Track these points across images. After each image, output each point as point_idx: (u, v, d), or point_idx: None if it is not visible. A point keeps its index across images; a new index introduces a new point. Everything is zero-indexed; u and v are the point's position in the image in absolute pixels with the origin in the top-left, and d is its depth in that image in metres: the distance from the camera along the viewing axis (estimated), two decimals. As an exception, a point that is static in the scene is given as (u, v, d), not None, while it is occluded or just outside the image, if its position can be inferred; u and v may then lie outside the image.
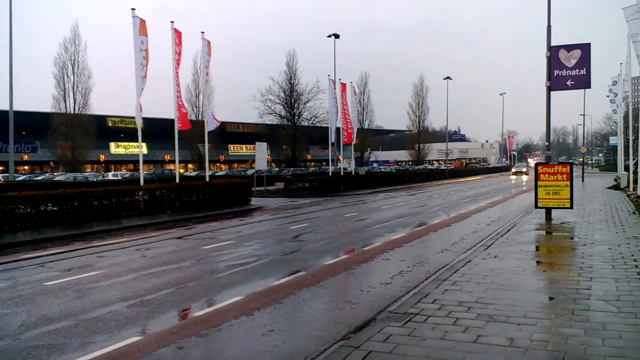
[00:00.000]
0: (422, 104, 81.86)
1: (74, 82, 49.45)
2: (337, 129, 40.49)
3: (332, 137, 39.26)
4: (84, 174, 48.28)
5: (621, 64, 27.28)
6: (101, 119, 59.15)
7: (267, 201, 28.71)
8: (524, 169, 70.97)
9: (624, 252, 10.03)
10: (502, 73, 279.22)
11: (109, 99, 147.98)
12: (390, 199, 29.14)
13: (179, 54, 23.70)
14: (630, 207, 19.02)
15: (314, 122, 61.59)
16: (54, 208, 17.16)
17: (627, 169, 32.58)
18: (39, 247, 13.49)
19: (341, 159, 47.74)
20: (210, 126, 26.13)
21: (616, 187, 31.83)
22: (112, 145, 72.51)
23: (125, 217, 19.20)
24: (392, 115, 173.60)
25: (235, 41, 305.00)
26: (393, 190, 37.30)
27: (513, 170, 74.55)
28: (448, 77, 66.21)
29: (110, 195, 19.30)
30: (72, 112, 49.60)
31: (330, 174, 40.79)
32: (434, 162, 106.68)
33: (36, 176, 48.09)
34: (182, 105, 25.16)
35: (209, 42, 25.73)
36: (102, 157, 68.59)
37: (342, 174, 42.70)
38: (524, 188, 36.15)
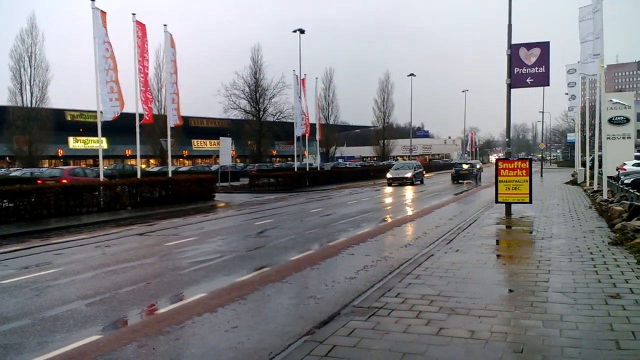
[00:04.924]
0: (388, 100, 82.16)
1: (30, 74, 47.89)
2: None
3: (297, 133, 39.18)
4: (41, 169, 46.86)
5: (578, 62, 27.84)
6: (59, 113, 57.42)
7: (231, 197, 28.50)
8: (408, 174, 37.68)
9: (580, 246, 10.32)
10: (464, 71, 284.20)
11: (68, 92, 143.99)
12: (356, 194, 29.29)
13: (142, 46, 23.23)
14: (586, 202, 19.61)
15: (280, 117, 61.32)
16: (10, 204, 16.64)
17: (584, 164, 33.61)
18: (-7, 244, 13.07)
19: (307, 154, 47.69)
20: (171, 121, 25.64)
21: (573, 182, 32.78)
22: (71, 139, 70.55)
23: (84, 214, 18.77)
24: (357, 111, 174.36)
25: (200, 36, 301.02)
26: (358, 186, 37.49)
27: (389, 175, 38.69)
28: (412, 74, 66.97)
29: (68, 191, 18.82)
30: (29, 105, 48.07)
31: (295, 170, 40.74)
32: (398, 157, 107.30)
33: (-9, 172, 46.48)
34: (149, 99, 24.75)
35: (171, 35, 25.29)
36: (61, 152, 66.65)
37: (307, 169, 42.73)
38: (485, 183, 36.83)
